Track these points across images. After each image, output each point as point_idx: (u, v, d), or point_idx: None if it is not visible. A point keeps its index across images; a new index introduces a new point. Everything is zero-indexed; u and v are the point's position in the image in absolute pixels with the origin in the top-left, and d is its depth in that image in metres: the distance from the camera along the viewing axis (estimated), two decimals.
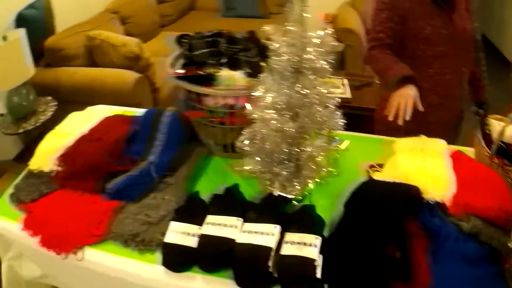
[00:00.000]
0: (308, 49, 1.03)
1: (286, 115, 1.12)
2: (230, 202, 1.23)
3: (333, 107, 1.13)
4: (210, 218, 1.17)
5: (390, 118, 1.54)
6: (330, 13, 4.53)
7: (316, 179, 1.22)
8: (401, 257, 1.07)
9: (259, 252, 1.05)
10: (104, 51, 3.12)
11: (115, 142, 1.46)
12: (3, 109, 2.78)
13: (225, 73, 1.34)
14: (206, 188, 1.37)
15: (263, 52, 1.41)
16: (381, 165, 1.43)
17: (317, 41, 1.03)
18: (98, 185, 1.36)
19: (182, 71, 1.41)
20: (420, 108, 1.54)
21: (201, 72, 1.34)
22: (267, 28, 1.07)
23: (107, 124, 1.60)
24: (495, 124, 1.45)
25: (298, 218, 1.18)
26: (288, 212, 1.23)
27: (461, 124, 2.02)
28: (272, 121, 1.09)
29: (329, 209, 1.27)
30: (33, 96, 2.75)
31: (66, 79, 3.04)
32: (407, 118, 1.50)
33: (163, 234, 1.17)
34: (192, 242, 1.13)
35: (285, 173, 1.19)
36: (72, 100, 2.95)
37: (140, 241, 1.18)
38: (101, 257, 1.19)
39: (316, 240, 1.08)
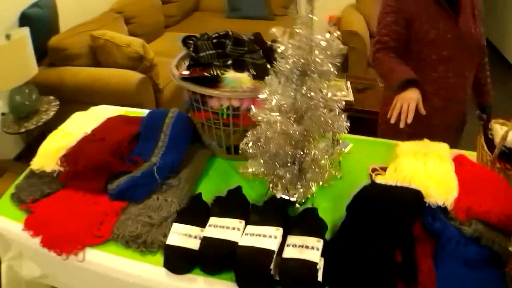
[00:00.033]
0: (315, 51, 1.03)
1: (291, 118, 1.12)
2: (232, 204, 1.22)
3: (338, 110, 1.13)
4: (212, 220, 1.17)
5: (392, 120, 1.54)
6: (334, 15, 4.54)
7: (319, 182, 1.21)
8: (404, 261, 1.07)
9: (261, 255, 1.05)
10: (108, 51, 3.12)
11: (118, 142, 1.45)
12: (5, 108, 2.78)
13: (230, 75, 1.33)
14: (209, 190, 1.37)
15: (268, 54, 1.41)
16: (384, 169, 1.42)
17: (324, 43, 1.03)
18: (100, 185, 1.35)
19: (187, 72, 1.40)
20: (422, 111, 1.54)
21: (207, 74, 1.34)
22: (274, 30, 1.06)
23: (110, 124, 1.60)
24: (498, 129, 1.45)
25: (301, 221, 1.17)
26: (290, 215, 1.23)
27: (463, 128, 2.01)
28: (277, 124, 1.08)
29: (332, 212, 1.27)
30: (35, 95, 2.75)
31: (69, 79, 3.04)
32: (409, 121, 1.50)
33: (165, 235, 1.17)
34: (194, 244, 1.12)
35: (289, 175, 1.19)
36: (74, 99, 2.97)
37: (142, 243, 1.18)
38: (102, 258, 1.19)
39: (318, 243, 1.08)
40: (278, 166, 1.22)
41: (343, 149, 1.24)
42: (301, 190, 1.20)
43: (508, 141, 1.35)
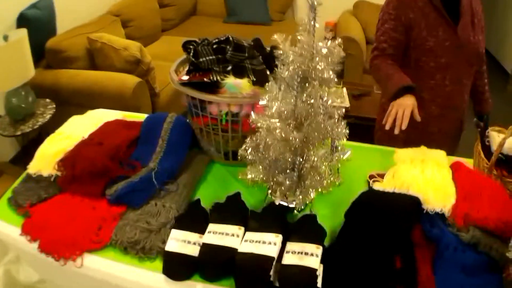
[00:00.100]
0: (316, 58, 1.03)
1: (291, 124, 1.12)
2: (231, 211, 1.22)
3: (338, 117, 1.13)
4: (211, 226, 1.17)
5: (387, 126, 1.54)
6: (331, 21, 4.56)
7: (318, 189, 1.22)
8: (404, 267, 1.07)
9: (260, 261, 1.05)
10: (105, 54, 3.12)
11: (116, 147, 1.45)
12: (1, 110, 2.76)
13: (230, 81, 1.34)
14: (207, 196, 1.37)
15: (268, 60, 1.41)
16: (381, 175, 1.43)
17: (325, 51, 1.03)
18: (98, 190, 1.35)
19: (187, 77, 1.40)
20: (418, 118, 1.55)
21: (206, 79, 1.34)
22: (276, 36, 1.07)
23: (108, 128, 1.59)
24: (495, 136, 1.47)
25: (300, 228, 1.18)
26: (289, 221, 1.23)
27: (460, 135, 2.03)
28: (276, 130, 1.08)
29: (331, 218, 1.27)
30: (32, 98, 2.73)
31: (66, 81, 3.04)
32: (403, 127, 1.51)
33: (164, 242, 1.17)
34: (193, 251, 1.12)
35: (288, 182, 1.19)
36: (71, 102, 2.97)
37: (140, 249, 1.17)
38: (100, 264, 1.19)
39: (318, 250, 1.08)
40: (277, 172, 1.22)
41: (342, 156, 1.24)
42: (300, 196, 1.20)
43: (505, 148, 1.37)
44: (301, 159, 1.17)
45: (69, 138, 1.52)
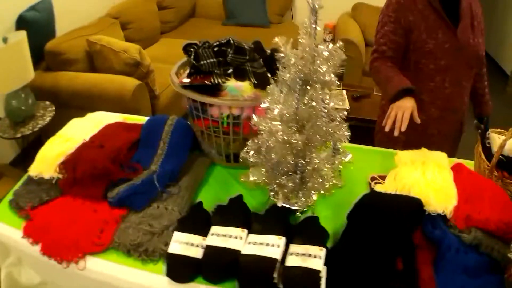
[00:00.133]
0: (317, 61, 1.04)
1: (293, 127, 1.12)
2: (234, 213, 1.22)
3: (340, 120, 1.14)
4: (214, 229, 1.17)
5: (387, 128, 1.55)
6: (330, 23, 4.57)
7: (320, 191, 1.22)
8: (405, 268, 1.08)
9: (264, 263, 1.05)
10: (105, 57, 3.12)
11: (117, 149, 1.45)
12: (1, 112, 2.76)
13: (231, 84, 1.34)
14: (208, 198, 1.37)
15: (268, 62, 1.42)
16: (383, 177, 1.43)
17: (326, 54, 1.04)
18: (100, 193, 1.35)
19: (188, 80, 1.41)
20: (417, 120, 1.55)
21: (207, 82, 1.35)
22: (277, 39, 1.07)
23: (109, 131, 1.59)
24: (496, 138, 1.47)
25: (302, 230, 1.18)
26: (292, 223, 1.23)
27: (460, 137, 2.03)
28: (278, 133, 1.09)
29: (333, 220, 1.27)
30: (31, 100, 2.73)
31: (66, 84, 3.03)
32: (403, 129, 1.51)
33: (166, 244, 1.17)
34: (196, 253, 1.12)
35: (290, 184, 1.19)
36: (70, 105, 2.96)
37: (143, 251, 1.17)
38: (103, 266, 1.19)
39: (321, 251, 1.09)
40: (279, 174, 1.22)
41: (343, 158, 1.25)
42: (303, 199, 1.20)
43: (506, 150, 1.38)
44: (303, 162, 1.18)
45: (70, 140, 1.52)
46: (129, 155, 1.49)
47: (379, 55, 1.81)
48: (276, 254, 1.06)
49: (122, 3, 4.14)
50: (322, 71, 1.05)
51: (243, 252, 1.10)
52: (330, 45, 1.05)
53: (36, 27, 3.04)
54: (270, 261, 1.05)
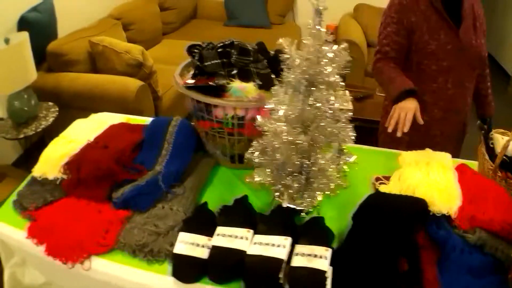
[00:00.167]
0: (322, 62, 1.04)
1: (298, 128, 1.13)
2: (239, 213, 1.23)
3: (345, 121, 1.14)
4: (220, 229, 1.17)
5: (389, 129, 1.55)
6: (331, 24, 4.57)
7: (326, 192, 1.22)
8: (410, 269, 1.08)
9: (270, 263, 1.05)
10: (107, 58, 3.12)
11: (121, 150, 1.45)
12: (4, 113, 2.76)
13: (236, 85, 1.34)
14: (213, 199, 1.37)
15: (272, 64, 1.42)
16: (387, 178, 1.44)
17: (331, 55, 1.04)
18: (104, 194, 1.35)
19: (192, 81, 1.41)
20: (420, 121, 1.55)
21: (212, 83, 1.35)
22: (282, 40, 1.07)
23: (113, 132, 1.59)
24: (499, 138, 1.48)
25: (308, 230, 1.18)
26: (297, 224, 1.23)
27: (463, 138, 2.03)
28: (283, 134, 1.09)
29: (338, 220, 1.27)
30: (34, 101, 2.73)
31: (68, 85, 3.03)
32: (405, 130, 1.51)
33: (172, 244, 1.17)
34: (202, 253, 1.12)
35: (296, 185, 1.20)
36: (73, 106, 2.96)
37: (149, 252, 1.18)
38: (108, 267, 1.19)
39: (326, 252, 1.09)
40: (285, 175, 1.22)
41: (348, 159, 1.25)
42: (308, 199, 1.21)
43: (509, 150, 1.38)
44: (308, 162, 1.18)
45: (74, 141, 1.53)
46: (133, 156, 1.49)
47: (382, 56, 1.81)
48: (282, 254, 1.06)
49: (124, 4, 4.15)
50: (327, 72, 1.05)
51: (249, 252, 1.10)
52: (335, 46, 1.06)
53: (38, 28, 3.04)
54: (276, 261, 1.05)
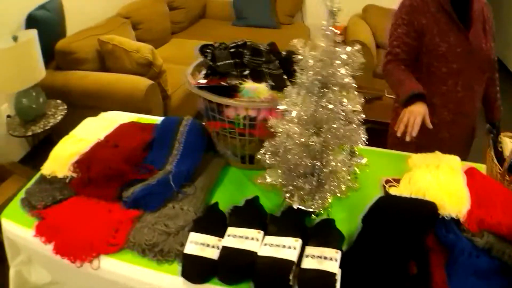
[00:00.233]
0: (335, 64, 1.04)
1: (310, 129, 1.12)
2: (250, 214, 1.22)
3: (357, 123, 1.14)
4: (231, 230, 1.17)
5: (398, 134, 1.55)
6: (340, 25, 4.55)
7: (337, 193, 1.22)
8: (419, 272, 1.08)
9: (280, 265, 1.05)
10: (117, 56, 3.12)
11: (132, 149, 1.45)
12: (12, 110, 2.77)
13: (248, 85, 1.34)
14: (223, 199, 1.37)
15: (284, 64, 1.41)
16: (397, 180, 1.43)
17: (345, 56, 1.04)
18: (114, 193, 1.35)
19: (204, 80, 1.41)
20: (429, 125, 1.55)
21: (224, 83, 1.35)
22: (295, 41, 1.07)
23: (123, 131, 1.59)
24: (508, 142, 1.47)
25: (318, 232, 1.18)
26: (307, 226, 1.23)
27: (472, 142, 2.02)
28: (295, 135, 1.09)
29: (348, 223, 1.27)
30: (43, 99, 2.73)
31: (77, 83, 3.03)
32: (414, 134, 1.51)
33: (182, 244, 1.17)
34: (212, 254, 1.12)
35: (307, 186, 1.19)
36: (82, 104, 2.97)
37: (159, 251, 1.18)
38: (117, 266, 1.19)
39: (336, 254, 1.08)
40: (296, 177, 1.22)
41: (359, 160, 1.25)
42: (319, 201, 1.20)
43: None
44: (320, 164, 1.18)
45: (83, 140, 1.53)
46: (143, 156, 1.49)
47: (393, 57, 1.81)
48: (293, 256, 1.06)
49: (132, 3, 4.15)
50: (340, 73, 1.05)
51: (259, 253, 1.10)
52: (348, 48, 1.05)
53: (46, 26, 3.04)
54: (287, 263, 1.05)
